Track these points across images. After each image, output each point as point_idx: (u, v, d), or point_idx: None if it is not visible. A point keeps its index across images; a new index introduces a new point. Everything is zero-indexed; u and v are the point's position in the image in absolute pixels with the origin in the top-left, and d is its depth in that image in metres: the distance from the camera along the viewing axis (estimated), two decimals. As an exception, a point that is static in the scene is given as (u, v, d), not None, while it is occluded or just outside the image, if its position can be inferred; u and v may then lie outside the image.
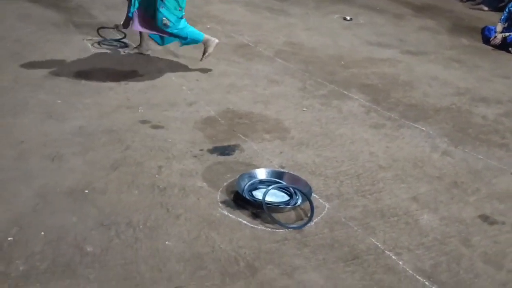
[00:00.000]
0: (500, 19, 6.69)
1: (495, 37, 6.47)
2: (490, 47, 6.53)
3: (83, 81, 4.25)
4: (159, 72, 4.60)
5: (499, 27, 6.58)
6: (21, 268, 2.27)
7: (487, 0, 8.51)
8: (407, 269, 2.52)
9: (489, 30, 6.66)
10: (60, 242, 2.45)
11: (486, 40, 6.61)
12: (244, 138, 3.62)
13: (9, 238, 2.44)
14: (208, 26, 6.13)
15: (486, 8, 8.35)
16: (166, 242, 2.53)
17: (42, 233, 2.50)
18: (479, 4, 8.71)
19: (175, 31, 4.37)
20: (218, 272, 2.37)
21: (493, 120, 4.37)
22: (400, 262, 2.56)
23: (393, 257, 2.59)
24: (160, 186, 2.97)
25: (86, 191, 2.85)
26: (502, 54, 6.31)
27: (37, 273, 2.25)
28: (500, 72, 5.62)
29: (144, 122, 3.70)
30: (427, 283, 2.44)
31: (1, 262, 2.29)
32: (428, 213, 2.98)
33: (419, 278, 2.47)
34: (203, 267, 2.39)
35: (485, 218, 2.99)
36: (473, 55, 6.15)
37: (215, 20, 6.42)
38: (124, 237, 2.53)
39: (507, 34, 6.42)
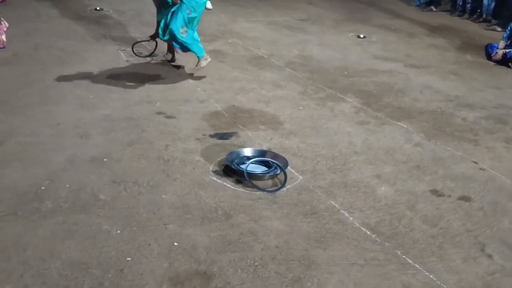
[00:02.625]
0: (503, 37, 7.15)
1: (496, 53, 6.92)
2: (492, 63, 6.98)
3: (113, 81, 5.02)
4: (179, 76, 5.34)
5: (502, 44, 7.03)
6: (49, 206, 2.99)
7: (501, 22, 8.93)
8: (355, 223, 3.10)
9: (492, 47, 7.11)
10: (80, 191, 3.16)
11: (489, 56, 7.06)
12: (242, 127, 4.27)
13: (42, 187, 3.17)
14: (230, 41, 6.86)
15: (499, 29, 8.75)
16: (163, 196, 3.20)
17: (67, 185, 3.22)
18: (493, 25, 9.14)
19: (188, 41, 5.08)
20: (199, 216, 3.02)
21: (471, 121, 4.87)
22: (351, 218, 3.14)
23: (345, 214, 3.17)
24: (165, 158, 3.65)
25: (105, 159, 3.57)
26: (502, 69, 6.75)
27: (61, 209, 2.96)
28: (493, 84, 6.08)
29: (159, 113, 4.41)
30: (368, 232, 3.01)
31: (35, 201, 3.01)
32: (386, 187, 3.54)
33: (363, 229, 3.04)
34: (189, 212, 3.05)
35: (434, 192, 3.53)
36: (472, 69, 6.63)
37: (237, 36, 7.15)
38: (130, 191, 3.22)
39: (507, 50, 6.87)
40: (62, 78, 4.99)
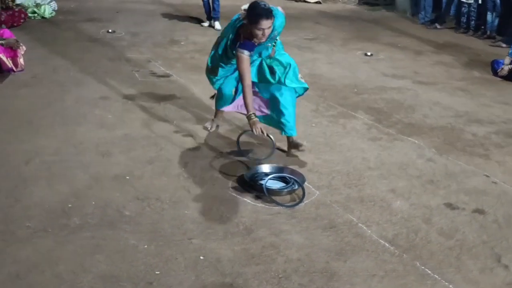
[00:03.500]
0: (509, 53, 7.27)
1: (502, 68, 7.04)
2: (499, 79, 7.09)
3: (129, 102, 5.16)
4: (193, 96, 5.46)
5: (507, 60, 7.15)
6: (77, 222, 3.10)
7: (505, 38, 9.07)
8: (373, 236, 3.19)
9: (498, 63, 7.23)
10: (106, 208, 3.27)
11: (495, 72, 7.18)
12: (258, 145, 4.38)
13: (69, 205, 3.28)
14: (241, 61, 7.00)
15: (504, 45, 8.89)
16: (185, 212, 3.30)
17: (93, 202, 3.32)
18: (497, 41, 9.28)
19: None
20: (222, 231, 3.12)
21: (482, 136, 4.96)
22: (369, 231, 3.23)
23: (363, 227, 3.26)
24: (184, 175, 3.76)
25: (127, 177, 3.68)
26: (509, 84, 6.85)
27: (88, 225, 3.07)
28: (501, 99, 6.19)
29: (177, 132, 4.53)
30: (387, 245, 3.10)
31: (63, 218, 3.12)
32: (401, 201, 3.63)
33: (381, 241, 3.13)
34: (211, 227, 3.15)
35: (449, 205, 3.62)
36: (480, 85, 6.74)
37: (247, 55, 7.29)
38: (153, 207, 3.33)
39: (513, 66, 6.99)
40: (81, 99, 5.12)
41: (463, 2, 9.94)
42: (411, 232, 3.25)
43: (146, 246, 2.92)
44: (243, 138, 4.15)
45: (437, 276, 2.84)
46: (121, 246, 2.91)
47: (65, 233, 2.98)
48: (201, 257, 2.86)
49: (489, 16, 9.66)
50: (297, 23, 10.03)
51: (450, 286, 2.78)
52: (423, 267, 2.91)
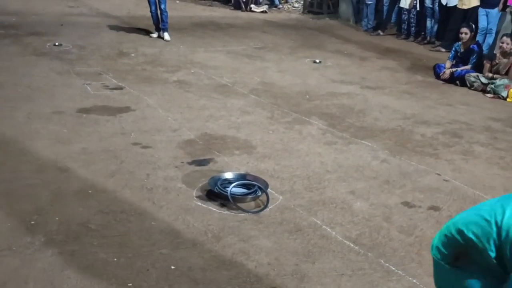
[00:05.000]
0: (449, 57, 7.64)
1: (444, 72, 7.39)
2: (441, 82, 7.43)
3: (84, 115, 5.08)
4: (149, 107, 5.44)
5: (448, 64, 7.51)
6: (42, 239, 3.04)
7: (444, 43, 9.50)
8: (338, 237, 3.29)
9: (439, 67, 7.58)
10: (70, 223, 3.22)
11: (437, 75, 7.52)
12: (218, 153, 4.42)
13: (32, 222, 3.21)
14: (192, 71, 7.03)
15: (443, 50, 9.31)
16: (152, 223, 3.30)
17: (57, 218, 3.27)
18: (437, 46, 9.71)
19: None
20: (190, 240, 3.14)
21: (430, 137, 5.19)
22: (333, 233, 3.33)
23: (328, 229, 3.36)
24: (148, 187, 3.75)
25: (90, 191, 3.64)
26: (451, 87, 7.20)
27: (54, 242, 3.02)
28: (444, 101, 6.49)
29: (135, 144, 4.50)
30: (351, 245, 3.21)
31: (27, 236, 3.06)
32: (361, 201, 3.76)
33: (346, 242, 3.23)
34: (179, 237, 3.16)
35: (406, 203, 3.78)
36: (424, 88, 7.04)
37: (198, 65, 7.33)
38: (119, 219, 3.31)
39: (454, 69, 7.34)
40: (33, 115, 5.01)
41: (403, 9, 10.35)
42: (373, 231, 3.37)
43: (115, 259, 2.90)
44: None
45: (401, 272, 2.97)
46: (90, 261, 2.88)
47: (31, 251, 2.92)
48: (172, 267, 2.87)
49: (428, 23, 10.11)
50: (245, 32, 10.16)
51: (414, 280, 2.91)
52: (387, 264, 3.03)
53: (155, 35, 8.87)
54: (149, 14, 8.87)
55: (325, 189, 3.93)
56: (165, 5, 8.61)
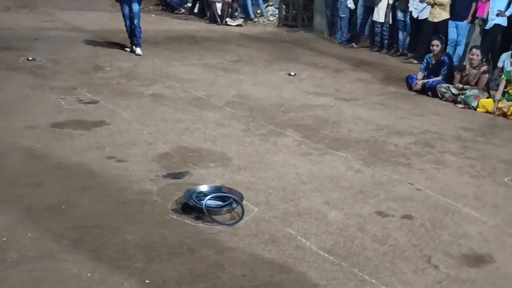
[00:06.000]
0: (420, 69, 7.79)
1: (416, 83, 7.53)
2: (413, 93, 7.56)
3: (58, 130, 5.04)
4: (123, 121, 5.43)
5: (420, 75, 7.66)
6: (14, 256, 3.00)
7: (416, 55, 9.69)
8: (313, 247, 3.31)
9: (412, 78, 7.73)
10: (43, 239, 3.19)
11: (410, 87, 7.66)
12: (193, 166, 4.43)
13: (4, 238, 3.17)
14: (168, 84, 7.03)
15: (415, 62, 9.49)
16: (127, 237, 3.28)
17: (29, 234, 3.23)
18: (409, 58, 9.89)
19: None
20: (165, 253, 3.13)
21: (403, 147, 5.28)
22: (308, 243, 3.35)
23: (302, 240, 3.39)
24: (122, 201, 3.74)
25: (63, 206, 3.61)
26: (423, 98, 7.34)
27: (27, 258, 2.98)
28: (416, 112, 6.61)
29: (110, 158, 4.48)
30: (326, 255, 3.23)
31: (-1, 252, 3.01)
32: (336, 211, 3.80)
33: (321, 252, 3.26)
34: (155, 250, 3.15)
35: (379, 213, 3.83)
36: (396, 99, 7.16)
37: (174, 79, 7.34)
38: (93, 234, 3.28)
39: (426, 80, 7.49)
40: (5, 130, 4.94)
41: (376, 22, 10.53)
42: (348, 241, 3.41)
43: (89, 275, 2.88)
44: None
45: (374, 281, 3.00)
46: (63, 277, 2.85)
47: (2, 268, 2.88)
48: (147, 281, 2.86)
49: (400, 35, 10.30)
50: (221, 46, 10.22)
51: (388, 289, 2.95)
52: (361, 273, 3.06)
53: (130, 49, 8.85)
54: (124, 27, 8.86)
55: (300, 200, 3.96)
56: (138, 21, 8.60)
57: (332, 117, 6.15)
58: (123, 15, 8.64)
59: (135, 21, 8.58)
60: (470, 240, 3.53)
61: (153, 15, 13.37)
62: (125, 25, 8.72)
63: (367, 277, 3.03)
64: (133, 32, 8.72)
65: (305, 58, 9.65)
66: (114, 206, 3.65)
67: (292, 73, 8.25)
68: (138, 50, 8.70)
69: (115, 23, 10.83)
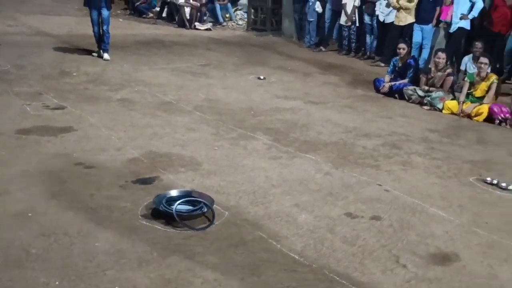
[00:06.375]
0: (387, 71, 7.92)
1: (383, 86, 7.65)
2: (381, 95, 7.68)
3: (23, 136, 4.95)
4: (91, 126, 5.36)
5: (387, 78, 7.79)
6: (-21, 266, 2.93)
7: (383, 58, 9.84)
8: (283, 249, 3.34)
9: (379, 81, 7.85)
10: (9, 248, 3.13)
11: (377, 89, 7.78)
12: (162, 171, 4.41)
13: (-32, 248, 3.10)
14: (136, 89, 6.98)
15: (382, 65, 9.63)
16: (96, 244, 3.25)
17: (-5, 243, 3.17)
18: (376, 61, 10.05)
19: None
20: (136, 260, 3.11)
21: (371, 149, 5.35)
22: (278, 246, 3.37)
23: (273, 243, 3.40)
24: (91, 207, 3.69)
25: (30, 214, 3.55)
26: (390, 100, 7.45)
27: (-8, 268, 2.92)
28: (384, 114, 6.71)
29: (78, 164, 4.43)
30: (296, 257, 3.26)
31: (-37, 263, 2.94)
32: (306, 214, 3.83)
33: (291, 254, 3.28)
34: (125, 257, 3.13)
35: (349, 214, 3.87)
36: (364, 102, 7.26)
37: (142, 84, 7.28)
38: (62, 242, 3.24)
39: (393, 83, 7.61)
40: (-31, 137, 4.84)
41: (343, 26, 10.66)
42: (318, 243, 3.44)
43: (57, 283, 2.84)
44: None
45: (344, 282, 3.04)
46: (30, 286, 2.80)
47: (-33, 278, 2.82)
48: (117, 288, 2.84)
49: (368, 39, 10.45)
50: (190, 50, 10.20)
51: (357, 289, 2.99)
52: (331, 275, 3.10)
53: (97, 54, 8.75)
54: (91, 32, 8.75)
55: (270, 203, 3.98)
56: (107, 26, 8.51)
57: (301, 120, 6.20)
58: (92, 20, 8.52)
59: (104, 27, 8.48)
60: (437, 240, 3.60)
61: (120, 20, 13.26)
62: (93, 31, 8.61)
63: (337, 278, 3.06)
64: (101, 38, 8.62)
65: (274, 62, 9.71)
66: (82, 213, 3.61)
67: (262, 77, 8.28)
68: (105, 56, 8.61)
69: (81, 28, 10.70)
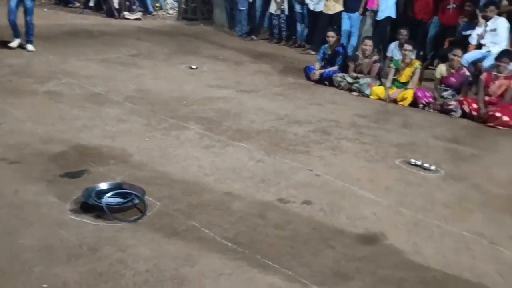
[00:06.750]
0: (317, 59, 8.07)
1: (314, 73, 7.79)
2: (311, 83, 7.82)
3: None
4: (16, 120, 5.15)
5: (317, 66, 7.93)
6: None
7: (313, 46, 10.01)
8: (217, 237, 3.35)
9: (310, 68, 7.98)
10: None
11: (308, 77, 7.91)
12: (92, 164, 4.30)
13: None
14: (64, 81, 6.75)
15: (313, 53, 9.80)
16: (20, 241, 3.14)
17: None
18: (307, 49, 10.21)
19: None
20: (65, 255, 3.03)
21: (302, 135, 5.45)
22: (212, 234, 3.38)
23: (206, 231, 3.41)
24: (17, 204, 3.56)
25: (-51, 213, 3.38)
26: (320, 87, 7.61)
27: None
28: (315, 101, 6.85)
29: (1, 159, 4.24)
30: (230, 244, 3.28)
31: None
32: (238, 201, 3.86)
33: (224, 242, 3.31)
34: (53, 253, 3.04)
35: (281, 200, 3.94)
36: (295, 90, 7.37)
37: (70, 75, 7.05)
38: (-15, 241, 3.11)
39: (322, 70, 7.76)
40: None
41: (273, 14, 10.74)
42: (251, 229, 3.48)
43: (-19, 283, 2.73)
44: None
45: (277, 266, 3.09)
46: (-49, 288, 2.68)
47: None
48: (44, 285, 2.76)
49: (298, 27, 10.60)
50: (119, 40, 9.97)
51: (289, 272, 3.04)
52: (264, 260, 3.14)
53: (14, 44, 8.27)
54: (5, 23, 8.25)
55: (203, 192, 3.98)
56: (31, 17, 8.09)
57: (233, 109, 6.22)
58: (9, 8, 8.02)
59: (28, 18, 8.06)
60: (366, 221, 3.73)
61: (45, 9, 12.73)
62: (9, 19, 7.98)
63: (270, 263, 3.12)
64: (17, 26, 8.10)
65: (206, 51, 9.66)
66: (7, 210, 3.48)
67: (193, 66, 8.22)
68: (30, 47, 8.24)
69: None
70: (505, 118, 6.00)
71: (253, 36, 11.24)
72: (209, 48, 9.99)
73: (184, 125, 5.46)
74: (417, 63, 7.04)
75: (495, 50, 6.99)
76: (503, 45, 7.25)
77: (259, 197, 3.96)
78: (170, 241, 3.26)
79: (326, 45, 7.93)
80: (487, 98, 6.32)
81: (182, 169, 4.36)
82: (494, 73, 6.35)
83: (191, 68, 8.17)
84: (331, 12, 9.67)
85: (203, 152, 4.79)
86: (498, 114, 6.01)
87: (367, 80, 7.26)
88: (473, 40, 7.68)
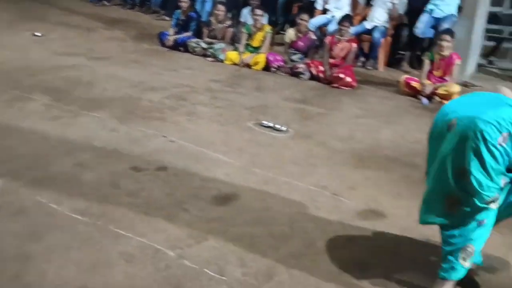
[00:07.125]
0: (171, 25, 7.97)
1: (168, 39, 7.69)
2: (166, 49, 7.71)
3: None
4: None
5: (171, 32, 7.83)
6: None
7: (167, 12, 9.84)
8: (65, 211, 3.24)
9: (164, 34, 7.86)
10: None
11: (162, 43, 7.79)
12: None
13: None
14: None
15: (167, 18, 9.63)
16: None
17: None
18: (161, 15, 10.02)
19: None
20: None
21: (157, 102, 5.39)
22: (60, 208, 3.26)
23: (54, 206, 3.28)
24: None
25: None
26: (175, 53, 7.54)
27: None
28: (170, 67, 6.78)
29: None
30: (79, 217, 3.19)
31: None
32: (89, 172, 3.75)
33: (74, 215, 3.21)
34: None
35: (134, 168, 3.89)
36: (150, 56, 7.24)
37: None
38: None
39: (177, 36, 7.69)
40: None
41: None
42: (102, 200, 3.41)
43: None
44: None
45: (130, 234, 3.07)
46: None
47: None
48: None
49: (151, -8, 10.33)
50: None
51: (143, 239, 3.04)
52: (117, 229, 3.10)
53: None
54: None
55: (50, 166, 3.80)
56: None
57: (84, 77, 5.96)
58: None
59: None
60: (219, 182, 3.82)
61: None
62: None
63: (123, 232, 3.09)
64: None
65: (55, 18, 9.10)
66: None
67: (38, 34, 7.70)
68: None
69: None
70: (348, 79, 6.43)
71: (105, 2, 10.78)
72: (58, 14, 9.42)
73: (29, 97, 5.14)
74: (268, 28, 7.25)
75: (338, 14, 7.40)
76: (345, 10, 7.70)
77: (112, 167, 3.87)
78: (13, 219, 3.09)
79: (179, 11, 7.85)
80: (331, 60, 6.71)
81: (26, 143, 4.12)
82: (337, 36, 6.74)
83: (35, 35, 7.64)
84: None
85: (50, 124, 4.56)
86: (341, 75, 6.41)
87: (221, 45, 7.33)
88: (318, 5, 8.06)
